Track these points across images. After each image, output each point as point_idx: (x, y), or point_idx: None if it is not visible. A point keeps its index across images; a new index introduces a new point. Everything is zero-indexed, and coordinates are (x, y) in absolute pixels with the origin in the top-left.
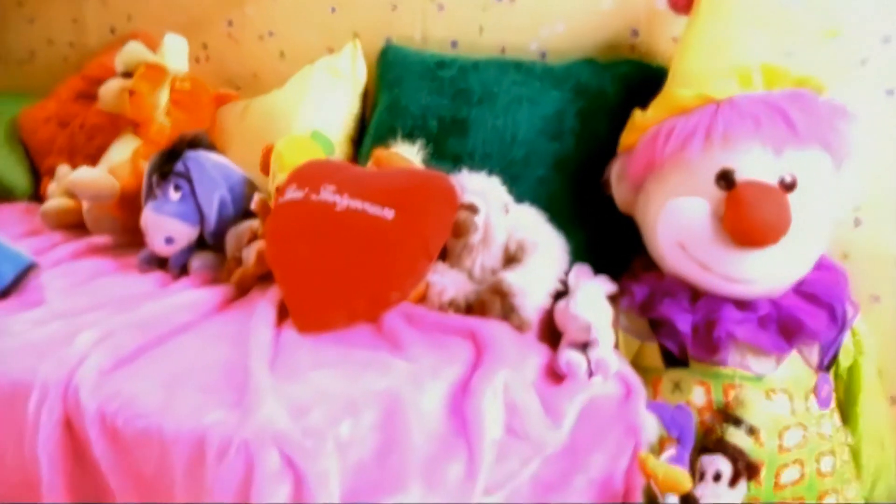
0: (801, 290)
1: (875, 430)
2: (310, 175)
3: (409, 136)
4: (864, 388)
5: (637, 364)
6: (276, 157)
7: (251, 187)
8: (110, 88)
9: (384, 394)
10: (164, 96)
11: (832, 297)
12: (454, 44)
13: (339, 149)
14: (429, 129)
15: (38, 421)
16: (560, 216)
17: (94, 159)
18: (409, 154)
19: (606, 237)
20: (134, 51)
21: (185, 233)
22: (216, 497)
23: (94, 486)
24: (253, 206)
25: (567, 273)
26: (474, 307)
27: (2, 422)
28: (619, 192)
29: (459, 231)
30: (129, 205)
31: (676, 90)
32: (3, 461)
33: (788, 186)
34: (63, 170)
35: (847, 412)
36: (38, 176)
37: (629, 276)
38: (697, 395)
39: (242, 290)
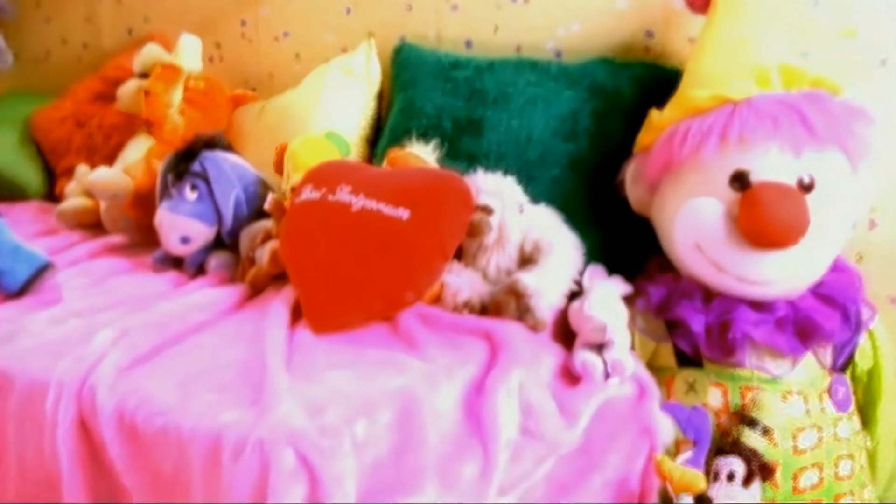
0: (818, 291)
1: (892, 431)
2: (326, 175)
3: (424, 137)
4: (885, 392)
5: (651, 364)
6: (291, 157)
7: (265, 187)
8: (128, 89)
9: (399, 393)
10: (177, 95)
11: (846, 298)
12: (468, 43)
13: (354, 149)
14: (444, 130)
15: (56, 419)
16: (575, 216)
17: (111, 159)
18: (423, 154)
19: (621, 238)
20: (151, 52)
21: (202, 232)
22: (232, 497)
23: (112, 485)
24: (267, 206)
25: (581, 273)
26: (489, 308)
27: (22, 420)
28: (635, 192)
29: (474, 231)
30: (142, 204)
31: (693, 91)
32: (25, 459)
33: (807, 187)
34: (82, 169)
35: (867, 415)
36: (52, 175)
37: (644, 277)
38: (714, 397)
39: (256, 290)
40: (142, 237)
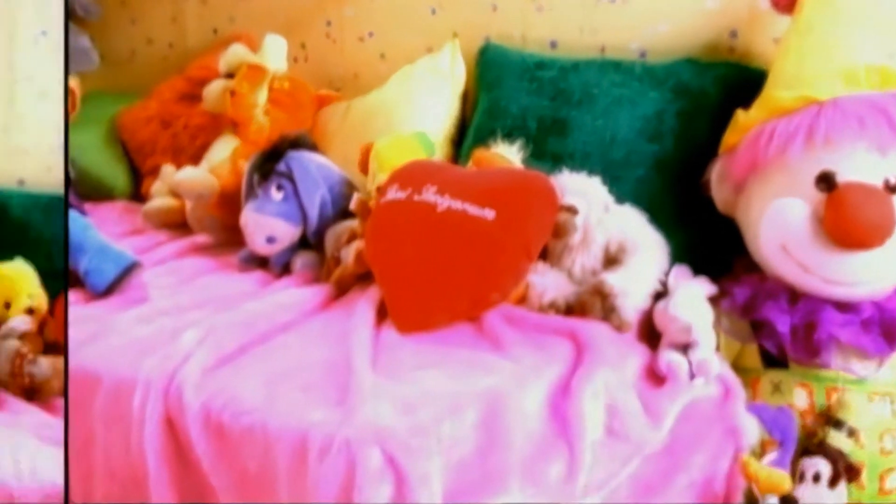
0: None
1: None
2: (412, 175)
3: (509, 137)
4: None
5: (736, 364)
6: (375, 157)
7: (350, 187)
8: (213, 89)
9: (487, 393)
10: (262, 96)
11: None
12: (553, 44)
13: (439, 149)
14: (528, 130)
15: (143, 418)
16: (660, 217)
17: (197, 159)
18: (509, 154)
19: (706, 238)
20: (236, 52)
21: (287, 232)
22: (318, 496)
23: (198, 483)
24: (352, 206)
25: (666, 274)
26: (574, 308)
27: (109, 419)
28: (720, 193)
29: (559, 232)
30: (228, 203)
31: (778, 92)
32: (112, 458)
33: (893, 188)
34: (168, 169)
35: None
36: (138, 175)
37: (730, 277)
38: (799, 398)
39: (342, 290)
40: (227, 237)
